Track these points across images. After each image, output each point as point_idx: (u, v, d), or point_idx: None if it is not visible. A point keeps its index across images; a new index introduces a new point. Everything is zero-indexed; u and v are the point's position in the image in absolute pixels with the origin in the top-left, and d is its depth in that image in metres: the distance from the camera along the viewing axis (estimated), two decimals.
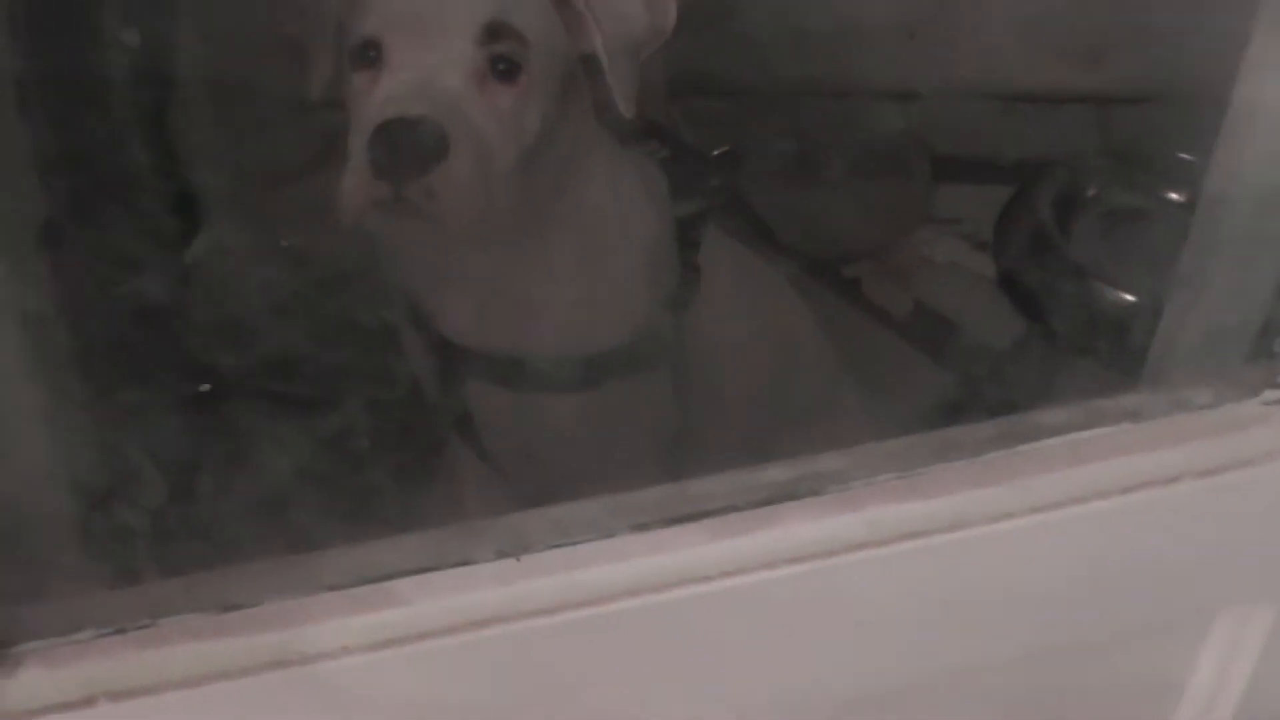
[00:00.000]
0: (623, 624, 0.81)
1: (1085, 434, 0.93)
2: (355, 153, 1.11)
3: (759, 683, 0.89)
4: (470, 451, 1.46)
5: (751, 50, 2.07)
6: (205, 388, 1.51)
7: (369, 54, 1.14)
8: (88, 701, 0.74)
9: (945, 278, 2.13)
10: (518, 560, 0.80)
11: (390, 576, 0.79)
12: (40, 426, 0.88)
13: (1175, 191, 2.00)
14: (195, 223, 1.65)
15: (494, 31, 1.14)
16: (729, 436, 1.42)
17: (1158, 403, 0.96)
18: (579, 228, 1.29)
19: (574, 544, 0.81)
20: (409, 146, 1.09)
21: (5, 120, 1.40)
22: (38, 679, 0.74)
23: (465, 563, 0.80)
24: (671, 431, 1.40)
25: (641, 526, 0.82)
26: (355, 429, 1.30)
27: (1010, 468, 0.90)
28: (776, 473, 0.86)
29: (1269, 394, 0.95)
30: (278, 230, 1.73)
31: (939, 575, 0.89)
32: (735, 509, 0.84)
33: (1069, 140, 2.20)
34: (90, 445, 1.19)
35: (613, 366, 1.32)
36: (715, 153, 1.93)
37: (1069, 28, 2.17)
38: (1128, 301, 1.90)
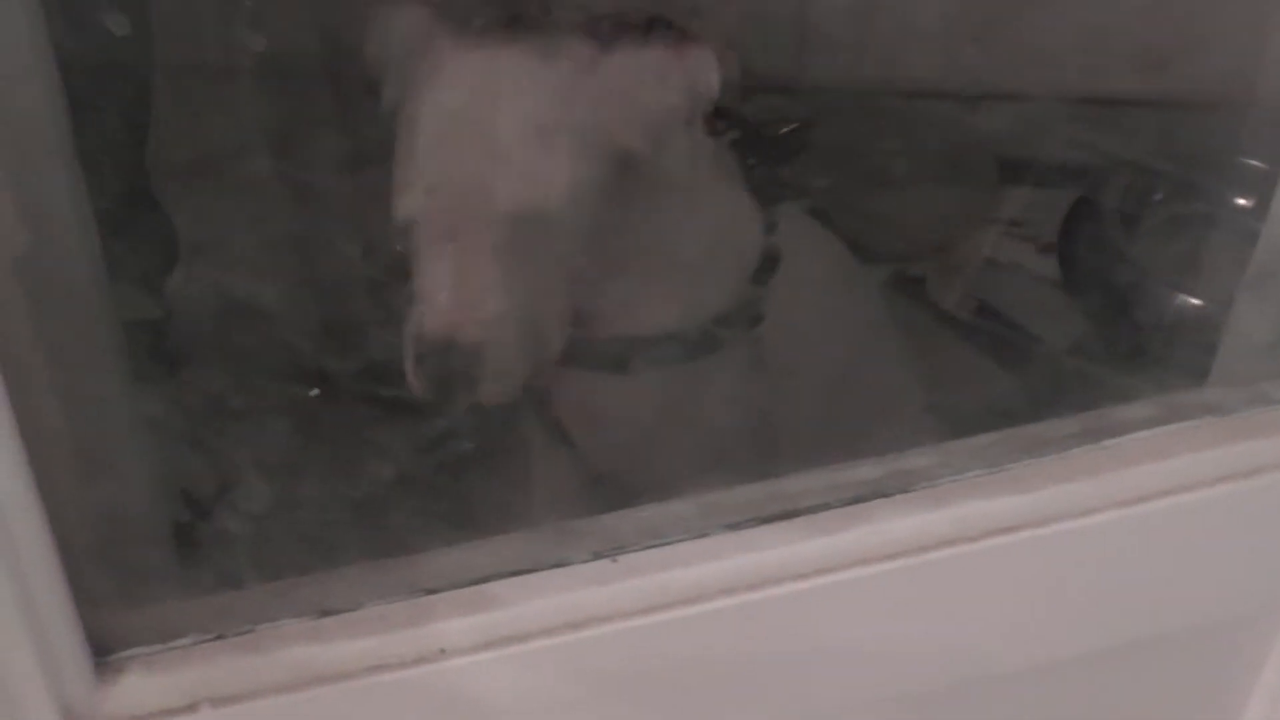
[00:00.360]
0: (718, 623, 0.82)
1: (1167, 429, 0.93)
2: (407, 343, 1.14)
3: (852, 677, 0.90)
4: (552, 440, 1.46)
5: (817, 50, 2.07)
6: (314, 392, 1.52)
7: (409, 232, 1.16)
8: (190, 708, 0.75)
9: (1009, 279, 2.12)
10: (614, 561, 0.81)
11: (487, 579, 0.80)
12: (139, 433, 0.89)
13: (1241, 196, 1.98)
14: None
15: (521, 220, 1.14)
16: (806, 425, 1.42)
17: (1238, 397, 0.97)
18: (654, 210, 1.29)
19: (668, 544, 0.82)
20: (444, 376, 1.13)
21: None
22: (140, 685, 0.75)
23: (561, 564, 0.81)
24: (749, 415, 1.40)
25: (735, 526, 0.83)
26: (439, 429, 1.30)
27: (1095, 463, 0.90)
28: (866, 470, 0.87)
29: None
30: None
31: (1026, 570, 0.89)
32: (827, 507, 0.84)
33: (1135, 144, 2.18)
34: (189, 451, 1.20)
35: (691, 348, 1.32)
36: (783, 130, 1.94)
37: (1134, 33, 2.16)
38: (1194, 305, 1.89)
